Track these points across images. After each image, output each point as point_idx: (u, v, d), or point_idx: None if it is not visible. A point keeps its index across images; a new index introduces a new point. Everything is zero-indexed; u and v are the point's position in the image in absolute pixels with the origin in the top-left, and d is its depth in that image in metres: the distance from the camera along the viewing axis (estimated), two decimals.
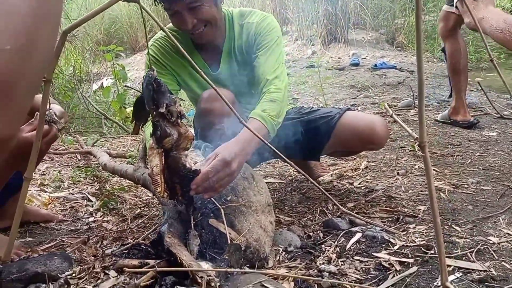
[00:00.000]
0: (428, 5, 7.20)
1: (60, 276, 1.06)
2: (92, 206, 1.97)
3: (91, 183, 2.27)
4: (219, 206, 1.28)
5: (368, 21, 6.83)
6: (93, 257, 1.22)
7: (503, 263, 1.24)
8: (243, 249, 1.15)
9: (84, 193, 2.10)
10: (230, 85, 1.68)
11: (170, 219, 1.21)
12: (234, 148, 1.27)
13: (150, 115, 1.07)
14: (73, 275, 1.07)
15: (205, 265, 1.08)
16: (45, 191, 2.13)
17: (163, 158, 1.16)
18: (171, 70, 1.72)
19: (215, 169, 1.19)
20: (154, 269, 0.98)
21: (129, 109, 4.18)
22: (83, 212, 1.90)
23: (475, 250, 1.32)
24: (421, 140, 1.10)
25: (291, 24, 7.89)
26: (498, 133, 2.59)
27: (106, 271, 1.06)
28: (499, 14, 2.03)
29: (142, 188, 2.22)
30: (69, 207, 1.95)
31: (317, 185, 1.38)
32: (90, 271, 1.09)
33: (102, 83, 6.25)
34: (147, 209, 1.95)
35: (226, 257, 1.10)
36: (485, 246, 1.34)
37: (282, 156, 1.27)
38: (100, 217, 1.84)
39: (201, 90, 1.70)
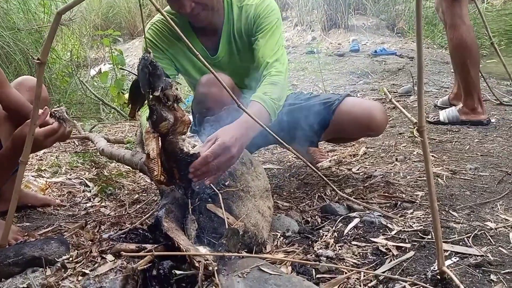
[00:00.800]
0: None
1: (57, 260, 1.06)
2: (90, 191, 1.96)
3: (88, 169, 2.27)
4: (217, 191, 1.28)
5: (369, 7, 6.75)
6: (90, 242, 1.22)
7: (500, 248, 1.24)
8: (240, 233, 1.15)
9: (82, 179, 2.09)
10: (229, 69, 1.66)
11: (168, 204, 1.20)
12: (234, 132, 1.26)
13: (146, 99, 1.06)
14: (70, 259, 1.07)
15: (203, 250, 1.08)
16: (43, 177, 2.12)
17: (159, 142, 1.15)
18: (169, 55, 1.70)
19: (215, 153, 1.18)
20: (151, 253, 0.98)
21: (127, 95, 4.16)
22: (81, 198, 1.90)
23: (472, 235, 1.32)
24: (420, 125, 1.10)
25: (291, 9, 7.80)
26: (497, 119, 2.58)
27: (103, 255, 1.06)
28: None
29: (140, 173, 2.22)
30: (67, 193, 1.94)
31: (315, 169, 1.37)
32: (87, 255, 1.09)
33: (100, 68, 6.20)
34: (145, 194, 1.95)
35: (224, 242, 1.10)
36: (482, 231, 1.34)
37: (281, 141, 1.26)
38: (98, 202, 1.84)
39: (199, 75, 1.68)
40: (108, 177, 2.10)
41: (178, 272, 1.00)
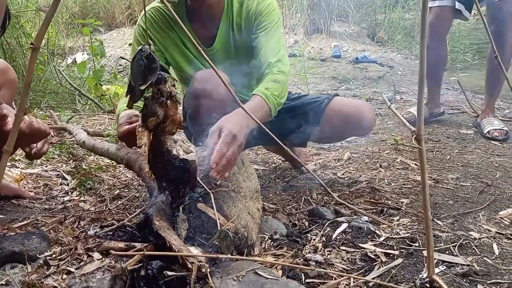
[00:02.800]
0: (409, 3, 7.30)
1: (39, 256, 1.00)
2: (68, 185, 1.89)
3: (66, 161, 2.18)
4: (209, 190, 1.25)
5: (351, 14, 6.85)
6: (74, 238, 1.16)
7: (485, 258, 1.27)
8: (232, 236, 1.12)
9: (59, 171, 2.01)
10: (222, 62, 1.63)
11: (158, 201, 1.16)
12: (237, 120, 1.25)
13: (145, 91, 1.02)
14: (53, 256, 1.01)
15: (195, 250, 1.04)
16: (17, 167, 2.03)
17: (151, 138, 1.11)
18: (159, 46, 1.65)
19: (226, 143, 1.17)
20: (143, 252, 0.94)
21: (105, 86, 4.05)
22: (58, 191, 1.82)
23: (457, 245, 1.34)
24: (418, 134, 1.10)
25: None
26: (475, 131, 2.65)
27: (90, 253, 1.01)
28: None
29: (121, 168, 2.16)
30: (43, 185, 1.86)
31: (314, 174, 1.36)
32: (71, 252, 1.03)
33: (75, 58, 6.02)
34: (127, 190, 1.89)
35: (216, 243, 1.07)
36: (467, 241, 1.37)
37: (277, 139, 1.24)
38: (77, 196, 1.77)
39: (191, 68, 1.64)
40: (87, 171, 2.02)
41: (169, 273, 0.96)
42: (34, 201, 1.68)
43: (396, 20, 7.12)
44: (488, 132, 2.50)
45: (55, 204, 1.67)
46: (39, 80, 4.23)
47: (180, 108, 1.85)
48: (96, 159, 2.26)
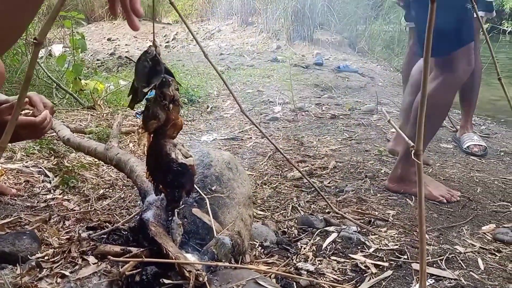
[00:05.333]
0: (390, 16, 7.46)
1: (30, 258, 0.96)
2: (50, 182, 1.83)
3: (47, 157, 2.11)
4: (204, 195, 1.23)
5: (333, 24, 6.95)
6: (68, 240, 1.12)
7: (471, 272, 1.30)
8: (230, 244, 1.11)
9: (41, 167, 1.94)
10: None
11: (153, 206, 1.14)
12: None
13: (148, 93, 1.00)
14: (46, 258, 0.97)
15: (192, 258, 1.03)
16: None
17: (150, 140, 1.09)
18: None
19: None
20: (142, 259, 0.92)
21: (84, 81, 3.95)
22: (40, 188, 1.76)
23: (444, 258, 1.37)
24: (417, 148, 1.12)
25: (257, 15, 7.85)
26: (454, 146, 2.73)
27: (84, 257, 0.98)
28: None
29: (104, 167, 2.11)
30: (24, 181, 1.79)
31: (312, 183, 1.36)
32: (65, 255, 1.00)
33: (50, 50, 5.86)
34: (111, 190, 1.84)
35: (214, 250, 1.06)
36: (453, 255, 1.40)
37: (273, 142, 1.23)
38: (60, 195, 1.71)
39: None
40: (70, 168, 1.96)
41: (166, 281, 0.94)
42: (15, 198, 1.62)
43: (376, 31, 7.28)
44: (467, 147, 2.58)
45: (38, 202, 1.61)
46: (15, 71, 4.08)
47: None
48: (78, 156, 2.20)
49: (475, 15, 2.44)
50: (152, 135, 1.10)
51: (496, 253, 1.42)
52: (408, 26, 2.71)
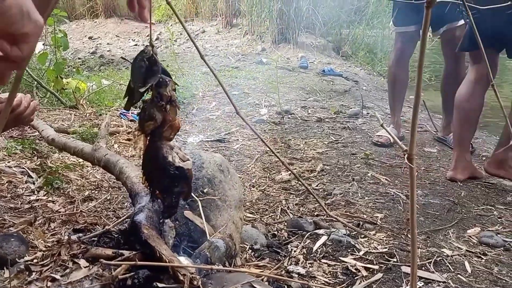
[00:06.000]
0: (373, 21, 7.55)
1: (18, 261, 0.93)
2: (34, 183, 1.78)
3: (30, 157, 2.05)
4: (196, 198, 1.22)
5: (318, 27, 6.99)
6: (57, 243, 1.09)
7: (459, 275, 1.32)
8: (224, 247, 1.10)
9: (24, 168, 1.89)
10: None
11: (145, 208, 1.12)
12: None
13: (144, 93, 0.98)
14: (35, 261, 0.94)
15: (185, 261, 1.01)
16: None
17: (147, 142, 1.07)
18: None
19: None
20: (135, 263, 0.90)
21: (66, 80, 3.87)
22: (24, 189, 1.71)
23: (432, 261, 1.39)
24: (410, 153, 1.13)
25: (242, 17, 7.84)
26: (438, 150, 2.77)
27: (75, 260, 0.95)
28: None
29: (89, 167, 2.07)
30: (7, 182, 1.74)
31: (306, 185, 1.36)
32: (55, 258, 0.97)
33: None
34: (97, 192, 1.81)
35: (207, 253, 1.04)
36: (441, 258, 1.42)
37: (268, 145, 1.23)
38: (44, 196, 1.67)
39: None
40: (53, 169, 1.92)
41: (160, 285, 0.93)
42: None
43: (360, 36, 7.35)
44: None
45: (21, 204, 1.57)
46: None
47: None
48: (62, 156, 2.15)
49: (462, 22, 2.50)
50: (148, 138, 1.08)
51: (482, 256, 1.45)
52: (396, 31, 2.75)
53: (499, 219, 1.76)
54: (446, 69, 2.83)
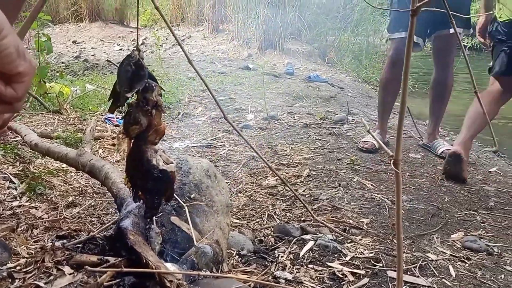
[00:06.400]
0: (358, 28, 7.65)
1: (1, 268, 0.91)
2: (16, 189, 1.74)
3: (12, 163, 2.01)
4: (183, 203, 1.21)
5: (304, 34, 7.05)
6: (41, 249, 1.06)
7: (443, 279, 1.34)
8: (211, 253, 1.09)
9: (5, 173, 1.85)
10: None
11: (131, 214, 1.11)
12: None
13: (130, 97, 0.97)
14: (18, 268, 0.92)
15: (171, 267, 1.00)
16: None
17: (131, 146, 1.06)
18: None
19: None
20: (121, 269, 0.89)
21: (49, 84, 3.82)
22: (6, 195, 1.67)
23: (418, 266, 1.41)
24: (396, 158, 1.14)
25: (228, 23, 7.87)
26: (422, 156, 2.81)
27: (59, 267, 0.93)
28: None
29: (72, 173, 2.04)
30: None
31: (293, 190, 1.36)
32: (38, 265, 0.95)
33: None
34: (81, 198, 1.78)
35: (194, 259, 1.03)
36: (426, 262, 1.44)
37: (256, 150, 1.23)
38: (27, 202, 1.64)
39: None
40: (36, 175, 1.88)
41: None
42: None
43: (345, 43, 7.44)
44: (442, 152, 2.69)
45: (3, 210, 1.53)
46: None
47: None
48: (45, 162, 2.11)
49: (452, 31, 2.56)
50: (132, 141, 1.07)
51: (466, 261, 1.47)
52: (390, 37, 2.77)
53: (482, 224, 1.79)
54: (435, 76, 2.87)
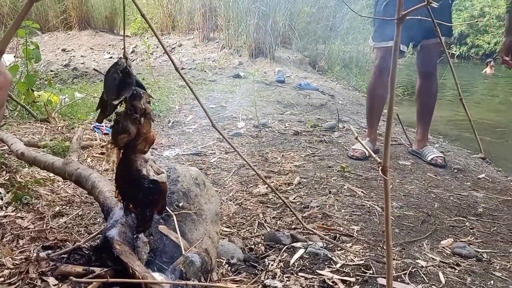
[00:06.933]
0: (348, 37, 7.72)
1: None
2: (2, 198, 1.71)
3: None
4: (171, 212, 1.19)
5: (295, 42, 7.09)
6: (25, 260, 1.04)
7: (433, 286, 1.34)
8: (200, 262, 1.07)
9: None
10: None
11: (118, 223, 1.09)
12: None
13: (118, 106, 0.96)
14: (1, 279, 0.90)
15: (159, 277, 0.99)
16: None
17: (120, 156, 1.05)
18: None
19: None
20: (106, 279, 0.87)
21: (37, 93, 3.79)
22: None
23: (407, 272, 1.40)
24: (384, 165, 1.14)
25: (219, 31, 7.89)
26: (412, 162, 2.82)
27: (44, 277, 0.91)
28: None
29: (60, 182, 2.01)
30: None
31: (283, 199, 1.36)
32: (22, 276, 0.93)
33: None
34: (68, 207, 1.75)
35: (182, 269, 1.02)
36: (415, 269, 1.43)
37: (244, 158, 1.22)
38: (12, 212, 1.61)
39: None
40: (23, 184, 1.86)
41: None
42: None
43: (335, 51, 7.51)
44: (432, 159, 2.71)
45: None
46: None
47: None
48: (32, 171, 2.09)
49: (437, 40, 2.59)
50: (122, 151, 1.06)
51: (456, 267, 1.47)
52: (375, 46, 2.80)
53: (471, 230, 1.80)
54: (420, 85, 2.90)
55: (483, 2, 12.59)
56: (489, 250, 1.62)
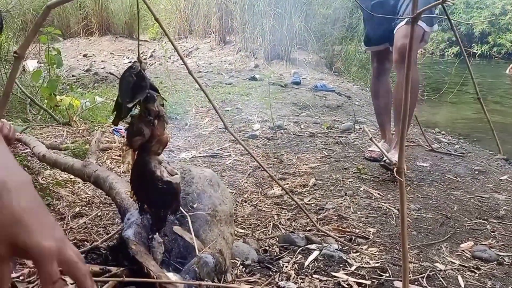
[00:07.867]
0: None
1: None
2: None
3: None
4: (186, 213, 1.21)
5: (311, 44, 7.07)
6: None
7: None
8: (213, 263, 1.08)
9: None
10: None
11: (134, 224, 1.11)
12: None
13: (132, 109, 0.98)
14: (21, 278, 0.93)
15: (173, 277, 1.00)
16: None
17: (135, 157, 1.07)
18: None
19: None
20: (121, 279, 0.89)
21: (59, 97, 3.87)
22: None
23: (425, 276, 1.38)
24: (399, 166, 1.13)
25: (235, 34, 7.94)
26: (430, 164, 2.78)
27: (62, 277, 0.93)
28: None
29: (80, 184, 2.05)
30: None
31: (296, 201, 1.36)
32: None
33: (24, 65, 5.74)
34: (88, 208, 1.79)
35: (196, 269, 1.03)
36: (434, 273, 1.41)
37: (257, 160, 1.23)
38: None
39: None
40: (44, 186, 1.90)
41: None
42: None
43: (352, 52, 7.45)
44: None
45: None
46: None
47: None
48: (53, 173, 2.13)
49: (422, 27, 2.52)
50: (136, 152, 1.07)
51: (476, 271, 1.44)
52: (368, 50, 2.83)
53: (492, 233, 1.76)
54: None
55: (505, 0, 12.32)
56: (511, 254, 1.58)
